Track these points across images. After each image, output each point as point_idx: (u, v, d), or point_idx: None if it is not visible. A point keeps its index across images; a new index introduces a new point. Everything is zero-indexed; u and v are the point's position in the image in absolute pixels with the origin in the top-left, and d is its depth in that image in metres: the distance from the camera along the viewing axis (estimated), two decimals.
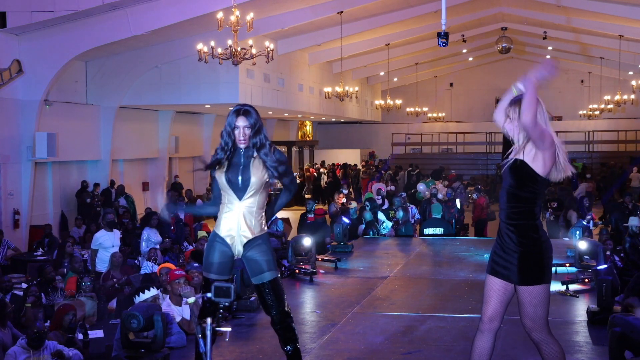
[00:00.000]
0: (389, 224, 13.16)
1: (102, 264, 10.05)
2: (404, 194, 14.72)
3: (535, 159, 3.84)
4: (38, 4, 12.90)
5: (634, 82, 23.85)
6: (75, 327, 6.52)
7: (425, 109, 30.38)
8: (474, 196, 15.88)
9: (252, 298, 7.15)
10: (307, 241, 9.38)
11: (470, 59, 29.49)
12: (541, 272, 3.86)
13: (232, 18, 11.49)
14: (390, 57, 23.21)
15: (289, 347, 4.35)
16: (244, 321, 6.89)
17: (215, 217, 4.49)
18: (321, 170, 27.52)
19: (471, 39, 24.11)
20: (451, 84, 32.39)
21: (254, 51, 12.22)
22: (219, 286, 3.68)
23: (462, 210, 14.96)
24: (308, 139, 30.83)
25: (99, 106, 16.98)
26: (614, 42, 21.49)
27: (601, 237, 10.95)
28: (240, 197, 4.24)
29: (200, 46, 12.23)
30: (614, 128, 29.86)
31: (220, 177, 4.25)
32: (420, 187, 17.31)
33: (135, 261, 10.91)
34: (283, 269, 9.05)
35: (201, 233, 12.70)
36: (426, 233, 12.98)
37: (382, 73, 27.54)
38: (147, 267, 9.63)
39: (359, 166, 29.15)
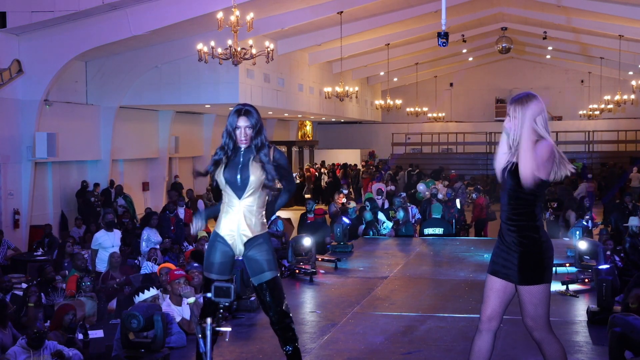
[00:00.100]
0: (389, 224, 13.16)
1: (102, 264, 10.04)
2: (404, 194, 14.72)
3: None
4: (38, 4, 12.90)
5: (634, 82, 23.85)
6: (75, 327, 6.52)
7: (425, 109, 30.38)
8: (474, 196, 15.89)
9: (252, 298, 7.14)
10: (307, 241, 9.38)
11: (470, 59, 29.49)
12: (541, 272, 3.86)
13: (232, 18, 11.49)
14: (390, 57, 23.21)
15: (288, 347, 4.35)
16: (244, 321, 6.89)
17: (214, 218, 4.49)
18: (322, 170, 27.53)
19: (471, 39, 24.11)
20: (451, 84, 32.39)
21: (254, 51, 12.22)
22: (218, 286, 3.69)
23: (463, 210, 14.96)
24: (308, 139, 30.83)
25: (99, 106, 16.98)
26: (614, 42, 21.50)
27: (601, 237, 10.95)
28: (239, 196, 4.24)
29: (200, 46, 12.23)
30: (614, 128, 29.87)
31: (219, 176, 4.26)
32: (420, 187, 17.31)
33: (135, 261, 10.92)
34: (283, 269, 9.05)
35: (201, 233, 12.68)
36: (426, 233, 12.98)
37: (382, 73, 27.54)
38: (147, 267, 9.63)
39: (359, 166, 29.16)
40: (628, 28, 19.57)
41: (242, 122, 4.21)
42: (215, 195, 21.22)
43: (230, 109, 4.33)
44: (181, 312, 6.62)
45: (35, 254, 12.02)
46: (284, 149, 26.30)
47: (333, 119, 29.05)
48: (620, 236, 11.94)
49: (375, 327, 6.60)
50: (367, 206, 13.73)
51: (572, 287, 8.09)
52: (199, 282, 7.40)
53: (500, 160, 3.98)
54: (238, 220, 4.26)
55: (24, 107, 14.24)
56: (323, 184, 26.65)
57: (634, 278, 7.28)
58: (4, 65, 13.20)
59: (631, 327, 5.21)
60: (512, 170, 3.85)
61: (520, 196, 3.85)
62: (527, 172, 3.72)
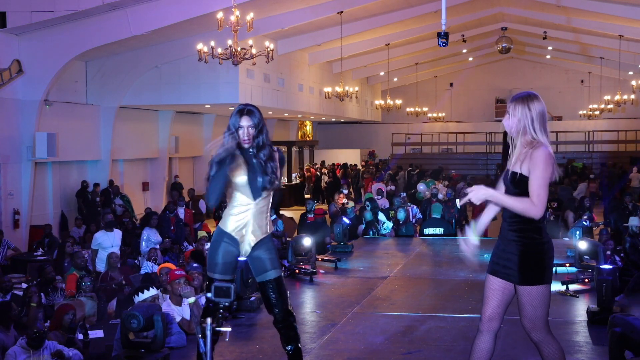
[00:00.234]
0: (390, 224, 13.16)
1: (102, 264, 10.06)
2: (404, 194, 14.72)
3: None
4: (38, 4, 12.90)
5: (634, 82, 23.85)
6: (75, 327, 6.52)
7: (425, 109, 30.38)
8: None
9: (252, 298, 7.15)
10: (307, 241, 9.38)
11: (470, 59, 29.49)
12: (541, 272, 3.85)
13: (232, 18, 11.49)
14: (390, 57, 23.21)
15: (290, 346, 4.36)
16: (244, 321, 6.89)
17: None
18: (322, 170, 27.52)
19: (471, 39, 24.11)
20: (451, 84, 32.38)
21: (254, 51, 12.22)
22: (219, 286, 3.69)
23: (463, 211, 14.93)
24: (308, 139, 30.83)
25: (99, 106, 16.98)
26: (614, 42, 21.50)
27: (601, 237, 10.94)
28: (255, 198, 4.25)
29: (200, 46, 12.23)
30: (614, 128, 29.86)
31: (240, 177, 4.21)
32: (420, 187, 17.31)
33: (135, 261, 10.92)
34: (283, 269, 9.04)
35: (201, 233, 12.71)
36: (426, 233, 12.98)
37: (382, 73, 27.54)
38: (147, 267, 9.64)
39: (359, 166, 29.16)
40: (628, 28, 19.57)
41: (245, 121, 4.21)
42: None
43: (231, 109, 4.34)
44: (181, 312, 6.62)
45: (35, 254, 12.02)
46: (284, 148, 26.30)
47: (333, 119, 29.05)
48: (620, 236, 11.93)
49: (375, 327, 6.60)
50: (367, 206, 13.73)
51: (572, 287, 8.09)
52: (199, 283, 7.41)
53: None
54: (249, 221, 4.27)
55: (24, 107, 14.24)
56: (323, 184, 26.65)
57: (634, 278, 7.28)
58: (4, 65, 13.20)
59: (631, 327, 5.20)
60: (514, 179, 3.81)
61: (522, 197, 3.83)
62: (533, 212, 3.73)
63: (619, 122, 29.86)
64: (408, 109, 29.80)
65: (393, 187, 17.97)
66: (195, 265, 8.34)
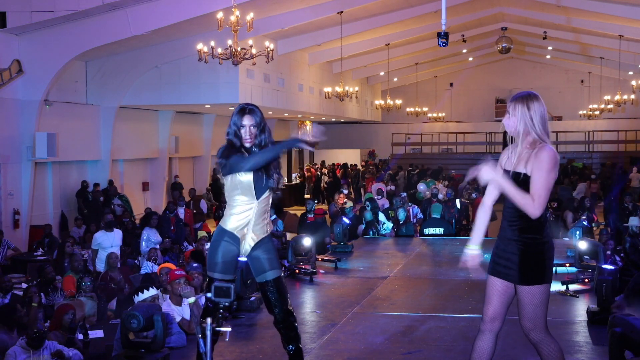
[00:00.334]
0: (390, 224, 13.17)
1: (102, 264, 10.06)
2: (404, 194, 14.71)
3: None
4: (38, 4, 12.90)
5: (634, 82, 23.85)
6: (75, 327, 6.52)
7: (425, 109, 30.38)
8: (474, 196, 15.86)
9: (252, 298, 7.15)
10: (307, 241, 9.38)
11: (470, 59, 29.49)
12: (542, 272, 3.84)
13: (232, 18, 11.49)
14: (390, 57, 23.21)
15: (291, 346, 4.36)
16: (244, 321, 6.89)
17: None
18: (322, 170, 27.53)
19: (471, 39, 24.11)
20: (451, 84, 32.38)
21: (254, 51, 12.22)
22: (218, 286, 3.69)
23: (463, 211, 14.93)
24: None
25: (99, 106, 16.98)
26: (614, 42, 21.49)
27: (601, 237, 10.93)
28: (258, 197, 4.25)
29: (200, 46, 12.23)
30: (614, 128, 29.85)
31: (247, 175, 4.19)
32: (421, 187, 17.31)
33: (135, 261, 10.92)
34: (283, 269, 9.04)
35: (201, 233, 12.71)
36: (426, 233, 12.98)
37: (382, 73, 27.54)
38: (147, 267, 9.64)
39: (359, 166, 29.15)
40: (628, 28, 19.57)
41: (247, 120, 4.21)
42: (215, 195, 21.23)
43: (231, 109, 4.34)
44: (181, 312, 6.62)
45: (35, 254, 12.02)
46: None
47: (333, 119, 29.04)
48: (620, 236, 11.92)
49: (375, 327, 6.60)
50: (368, 206, 13.74)
51: (572, 287, 8.08)
52: (199, 283, 7.41)
53: (503, 158, 3.95)
54: (250, 220, 4.27)
55: (24, 107, 14.24)
56: (323, 184, 26.65)
57: (634, 278, 7.28)
58: (4, 65, 13.20)
59: (631, 327, 5.20)
60: (517, 180, 3.79)
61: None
62: (533, 209, 3.71)
63: (619, 122, 29.85)
64: (408, 109, 29.80)
65: (393, 187, 17.97)
66: (195, 265, 8.34)
